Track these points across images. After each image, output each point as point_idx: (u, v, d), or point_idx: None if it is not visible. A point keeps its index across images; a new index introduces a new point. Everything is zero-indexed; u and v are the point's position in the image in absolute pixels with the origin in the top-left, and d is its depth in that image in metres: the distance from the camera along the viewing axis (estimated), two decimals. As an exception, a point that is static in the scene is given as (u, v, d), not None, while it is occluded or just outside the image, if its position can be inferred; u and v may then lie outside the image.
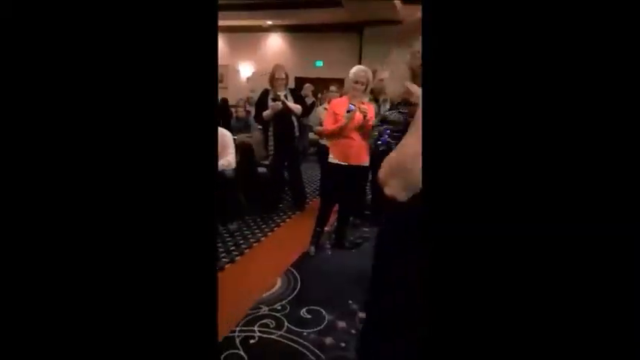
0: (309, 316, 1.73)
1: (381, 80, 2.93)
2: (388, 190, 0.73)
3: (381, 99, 2.99)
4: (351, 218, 2.70)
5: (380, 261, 0.91)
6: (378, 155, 2.26)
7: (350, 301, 1.86)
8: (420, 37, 0.83)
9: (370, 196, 3.24)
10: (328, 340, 1.57)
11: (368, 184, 3.25)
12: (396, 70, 0.89)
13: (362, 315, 1.76)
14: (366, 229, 2.89)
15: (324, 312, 1.76)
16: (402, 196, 0.71)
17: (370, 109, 2.34)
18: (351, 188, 2.43)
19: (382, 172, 0.74)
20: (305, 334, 1.61)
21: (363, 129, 2.27)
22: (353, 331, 1.63)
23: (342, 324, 1.68)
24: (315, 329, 1.64)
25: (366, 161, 2.38)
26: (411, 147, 0.66)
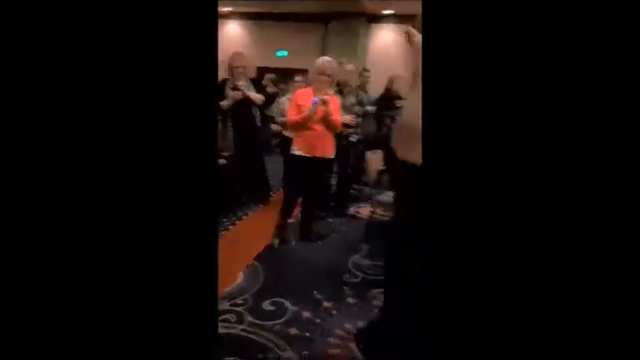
0: (272, 308, 1.71)
1: (347, 73, 2.94)
2: (399, 154, 0.74)
3: (345, 91, 2.99)
4: (315, 210, 2.69)
5: (397, 242, 0.91)
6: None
7: (315, 292, 1.85)
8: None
9: (335, 188, 3.26)
10: (292, 331, 1.56)
11: (333, 175, 3.26)
12: (410, 70, 0.91)
13: (327, 304, 1.76)
14: (331, 220, 2.90)
15: (287, 303, 1.74)
16: (411, 156, 0.72)
17: (335, 101, 2.33)
18: (315, 180, 2.42)
19: (394, 139, 0.75)
20: (268, 326, 1.58)
21: (326, 121, 2.25)
22: (318, 321, 1.63)
23: (306, 314, 1.67)
24: (279, 321, 1.62)
25: (330, 153, 2.37)
26: (413, 107, 0.69)
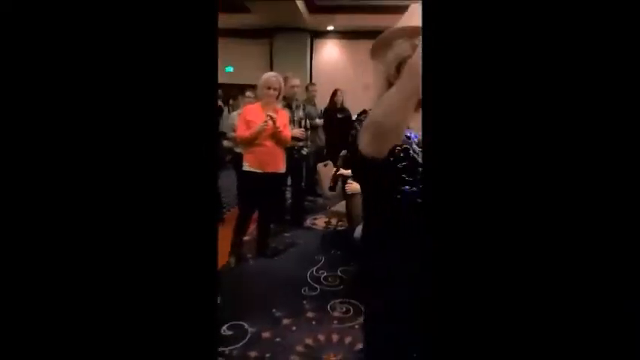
0: (230, 333, 1.65)
1: (293, 87, 2.98)
2: (360, 146, 0.73)
3: (294, 105, 3.03)
4: (271, 225, 2.67)
5: (372, 255, 0.90)
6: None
7: (274, 310, 1.83)
8: (392, 48, 0.84)
9: (290, 202, 3.26)
10: (253, 354, 1.51)
11: (287, 189, 3.27)
12: (376, 82, 0.89)
13: (286, 321, 1.74)
14: (288, 235, 2.89)
15: (246, 325, 1.70)
16: (371, 150, 0.72)
17: (283, 115, 2.35)
18: (269, 196, 2.40)
19: (360, 139, 0.74)
20: (227, 352, 1.52)
21: (276, 137, 2.26)
22: (278, 340, 1.61)
23: (266, 334, 1.64)
24: (238, 345, 1.57)
25: (282, 168, 2.38)
26: (384, 104, 0.69)
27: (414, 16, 0.84)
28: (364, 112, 0.87)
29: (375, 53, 0.91)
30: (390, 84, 0.86)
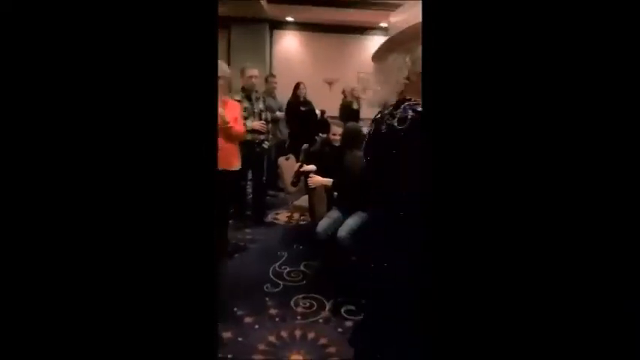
0: (189, 336, 1.58)
1: (251, 77, 2.89)
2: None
3: (253, 96, 2.94)
4: (230, 222, 2.58)
5: (376, 252, 0.87)
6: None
7: (235, 308, 1.78)
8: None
9: (251, 197, 3.19)
10: (213, 356, 1.46)
11: (248, 183, 3.18)
12: (395, 75, 0.82)
13: (248, 320, 1.70)
14: (249, 231, 2.83)
15: (206, 327, 1.63)
16: None
17: (233, 107, 2.20)
18: (222, 194, 2.29)
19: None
20: (186, 356, 1.46)
21: (226, 132, 2.09)
22: (240, 339, 1.57)
23: (227, 334, 1.60)
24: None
25: (235, 165, 2.22)
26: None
27: None
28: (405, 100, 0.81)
29: (393, 47, 0.83)
30: (408, 80, 0.81)
